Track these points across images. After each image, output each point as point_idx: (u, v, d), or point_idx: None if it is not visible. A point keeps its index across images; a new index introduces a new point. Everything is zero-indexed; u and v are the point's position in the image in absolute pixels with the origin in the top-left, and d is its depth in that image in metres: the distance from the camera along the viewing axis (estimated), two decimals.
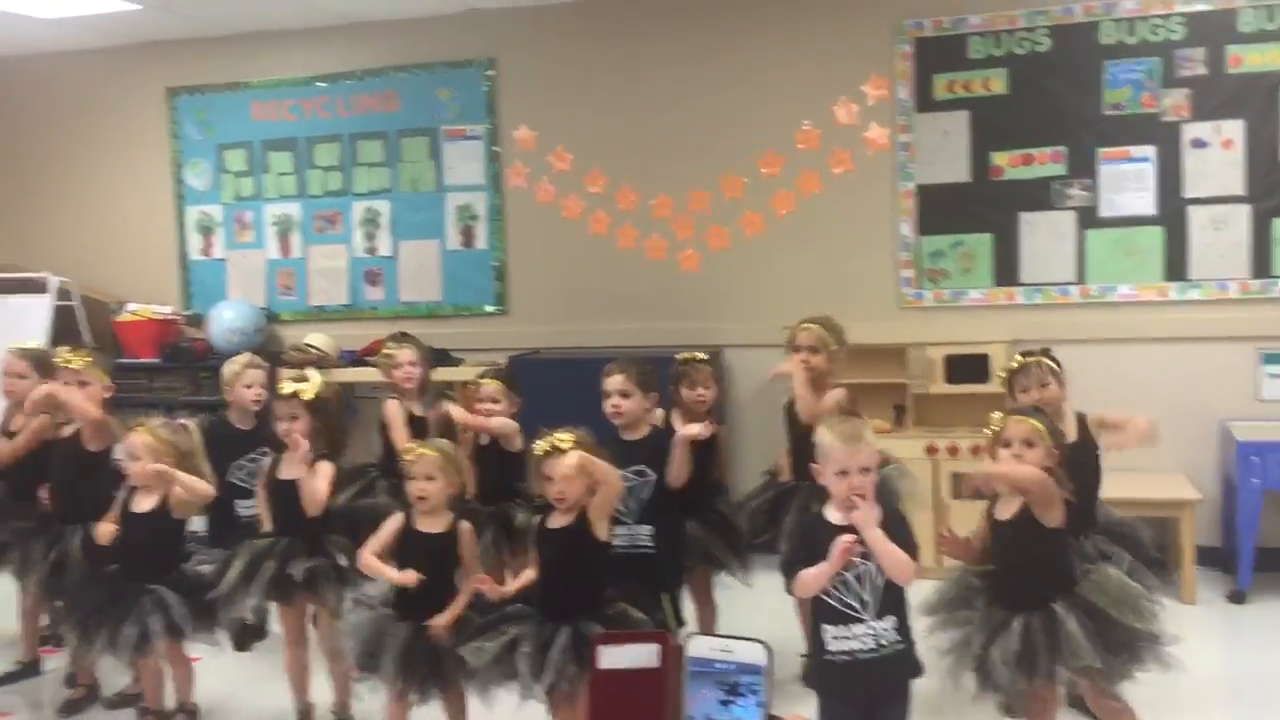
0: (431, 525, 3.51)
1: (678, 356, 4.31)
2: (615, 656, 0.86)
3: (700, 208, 6.19)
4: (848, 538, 2.79)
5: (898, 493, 3.98)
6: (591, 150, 6.34)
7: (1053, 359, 3.81)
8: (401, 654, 3.38)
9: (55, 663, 4.58)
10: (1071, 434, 3.65)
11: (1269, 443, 4.99)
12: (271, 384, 4.50)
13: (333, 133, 6.78)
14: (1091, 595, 3.17)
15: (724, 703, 0.90)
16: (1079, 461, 3.56)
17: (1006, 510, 3.23)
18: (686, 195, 6.21)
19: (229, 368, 4.74)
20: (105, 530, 3.87)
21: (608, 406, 3.88)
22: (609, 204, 6.34)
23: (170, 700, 4.04)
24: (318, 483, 3.82)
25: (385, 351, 4.85)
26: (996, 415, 3.31)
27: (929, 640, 3.33)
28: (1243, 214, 5.42)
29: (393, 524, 3.52)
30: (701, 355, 4.32)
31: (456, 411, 4.47)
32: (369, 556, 3.49)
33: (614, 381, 3.93)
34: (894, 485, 3.99)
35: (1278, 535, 5.27)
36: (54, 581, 4.23)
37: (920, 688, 2.94)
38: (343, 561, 3.83)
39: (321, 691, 3.97)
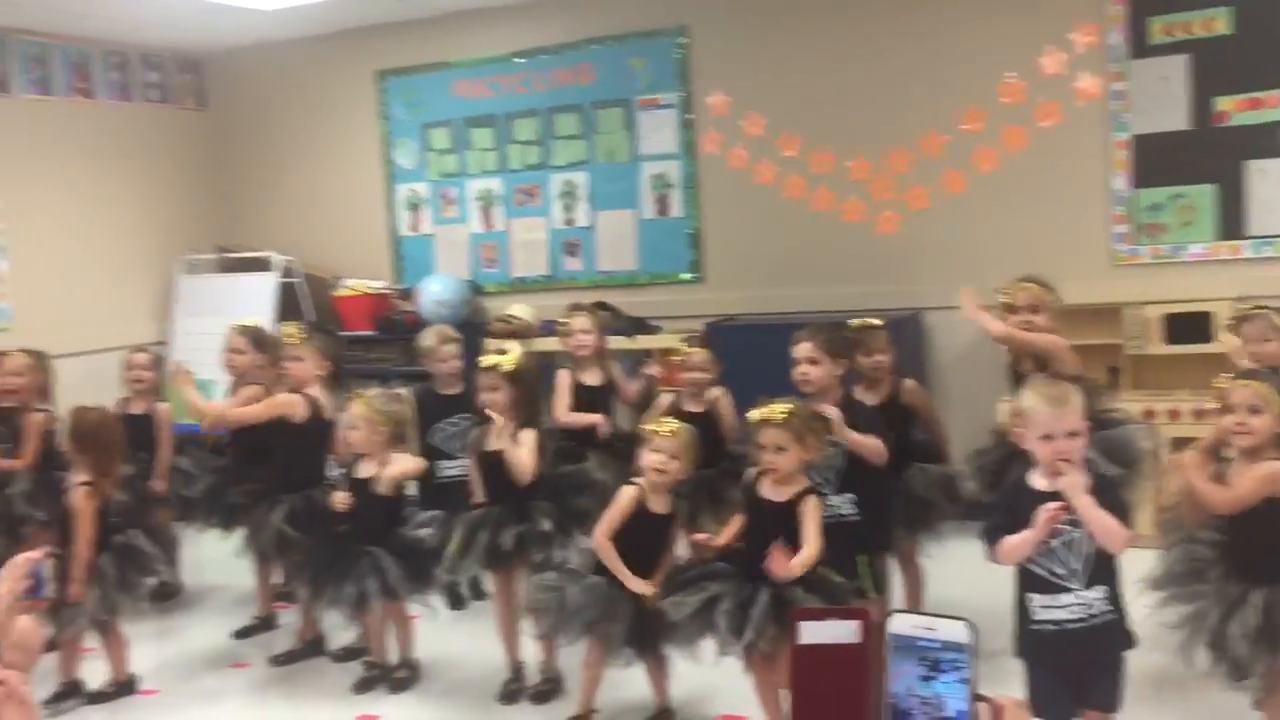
0: (659, 506, 3.59)
1: (850, 323, 4.24)
2: (816, 631, 0.87)
3: (899, 168, 6.05)
4: (1052, 506, 2.70)
5: (1139, 452, 3.85)
6: (785, 114, 6.27)
7: None
8: (610, 619, 3.48)
9: (289, 618, 4.89)
10: None
11: None
12: (471, 352, 4.67)
13: (530, 108, 6.93)
14: None
15: (925, 678, 0.90)
16: None
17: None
18: (884, 156, 6.07)
19: (425, 342, 4.92)
20: (340, 498, 4.11)
21: (796, 374, 3.86)
22: (803, 168, 6.26)
23: (394, 655, 4.28)
24: (522, 453, 3.94)
25: (561, 320, 4.99)
26: (1223, 378, 3.15)
27: (1156, 615, 3.21)
28: None
29: (626, 503, 3.58)
30: (875, 321, 4.25)
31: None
32: (604, 542, 3.57)
33: (802, 349, 3.86)
34: (1137, 444, 3.86)
35: None
36: (281, 542, 4.51)
37: (1138, 661, 2.84)
38: (547, 527, 3.95)
39: (531, 650, 4.12)
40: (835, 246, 6.17)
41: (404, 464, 4.17)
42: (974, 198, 5.89)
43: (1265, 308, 3.74)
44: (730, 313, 6.34)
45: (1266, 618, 2.96)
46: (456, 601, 4.93)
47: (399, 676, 4.24)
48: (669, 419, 3.70)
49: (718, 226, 6.52)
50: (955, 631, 0.96)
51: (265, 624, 4.92)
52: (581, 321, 4.88)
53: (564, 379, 4.82)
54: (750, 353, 4.57)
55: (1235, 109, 5.36)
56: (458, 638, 4.65)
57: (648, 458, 3.57)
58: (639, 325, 6.25)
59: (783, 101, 6.27)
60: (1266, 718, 3.15)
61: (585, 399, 4.79)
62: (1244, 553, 3.10)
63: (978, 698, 0.95)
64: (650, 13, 6.54)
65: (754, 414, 3.42)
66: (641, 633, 3.51)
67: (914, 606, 4.22)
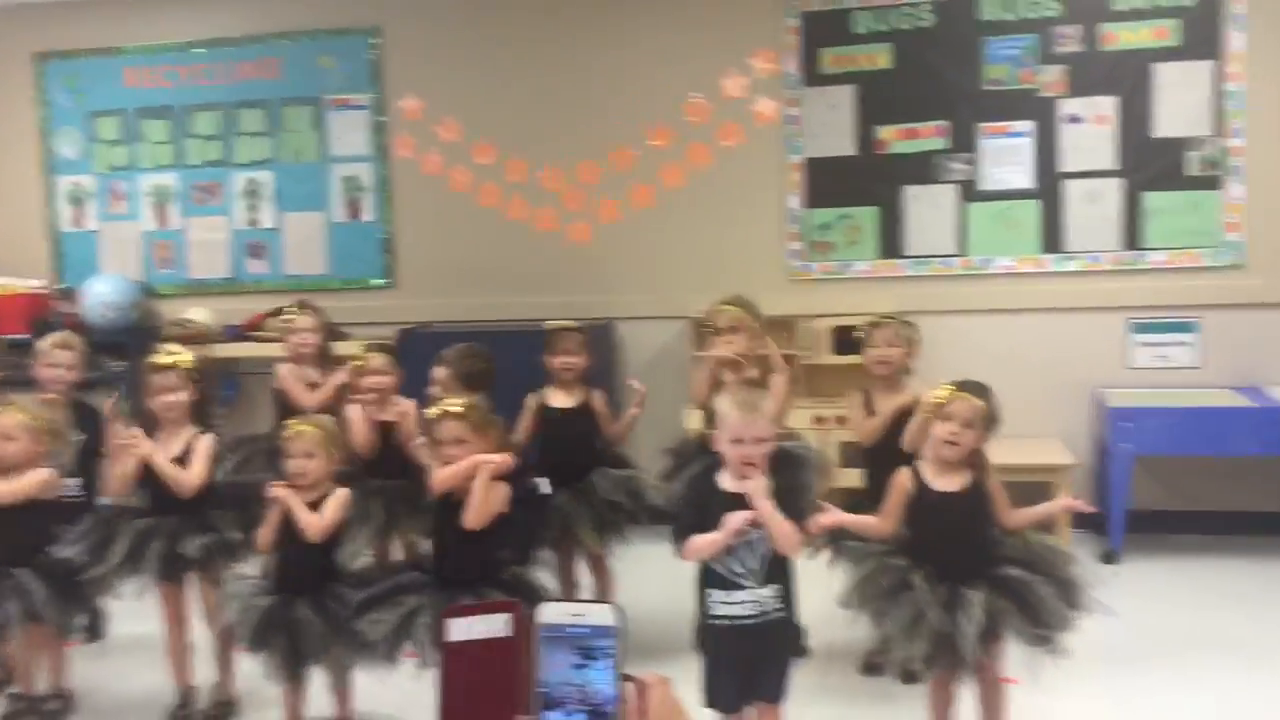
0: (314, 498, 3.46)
1: (547, 325, 4.34)
2: (465, 628, 0.86)
3: (590, 180, 6.17)
4: (741, 515, 2.81)
5: (810, 471, 4.06)
6: (480, 121, 6.26)
7: (908, 327, 4.00)
8: (284, 631, 3.33)
9: None
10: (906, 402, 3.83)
11: (1138, 409, 5.18)
12: (85, 362, 4.41)
13: (211, 101, 6.58)
14: (1020, 557, 3.22)
15: (579, 666, 0.90)
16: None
17: (949, 483, 3.21)
18: (576, 167, 6.17)
19: (39, 344, 4.51)
20: None
21: (430, 391, 3.99)
22: (498, 175, 6.27)
23: (43, 685, 3.91)
24: (194, 464, 3.72)
25: (285, 317, 4.81)
26: (942, 390, 3.23)
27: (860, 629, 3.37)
28: (1114, 188, 5.60)
29: (274, 513, 3.45)
30: (570, 323, 4.34)
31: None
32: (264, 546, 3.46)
33: (439, 373, 4.06)
34: (807, 462, 4.08)
35: (1147, 498, 5.49)
36: None
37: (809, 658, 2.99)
38: (234, 536, 3.74)
39: (202, 673, 3.88)
40: (529, 255, 6.21)
41: (36, 477, 3.77)
42: (661, 212, 6.09)
43: (893, 318, 4.07)
44: (424, 319, 6.24)
45: (989, 613, 3.07)
46: (95, 632, 4.50)
47: (49, 709, 3.88)
48: (298, 423, 3.55)
49: (411, 232, 6.42)
50: (603, 616, 0.97)
51: None
52: (306, 320, 4.76)
53: (289, 371, 4.73)
54: None
55: (894, 138, 5.82)
56: (117, 663, 4.31)
57: (285, 464, 3.46)
58: (329, 331, 6.04)
59: (478, 108, 6.25)
60: (934, 710, 3.32)
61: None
62: (951, 551, 3.18)
63: (625, 678, 0.97)
64: (342, 11, 6.36)
65: (431, 409, 3.38)
66: (303, 648, 3.36)
67: None
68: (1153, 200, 5.56)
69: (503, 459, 3.31)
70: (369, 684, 3.55)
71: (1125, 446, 5.14)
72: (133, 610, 3.99)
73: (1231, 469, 5.46)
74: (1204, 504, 5.57)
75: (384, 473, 4.25)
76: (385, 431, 4.36)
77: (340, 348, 5.76)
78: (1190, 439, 5.14)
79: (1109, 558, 5.22)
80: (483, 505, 3.26)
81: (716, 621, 2.88)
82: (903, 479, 3.27)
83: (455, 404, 3.37)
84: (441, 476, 3.32)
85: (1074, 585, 3.21)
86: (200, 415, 3.86)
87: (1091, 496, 5.63)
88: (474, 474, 3.27)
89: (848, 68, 5.84)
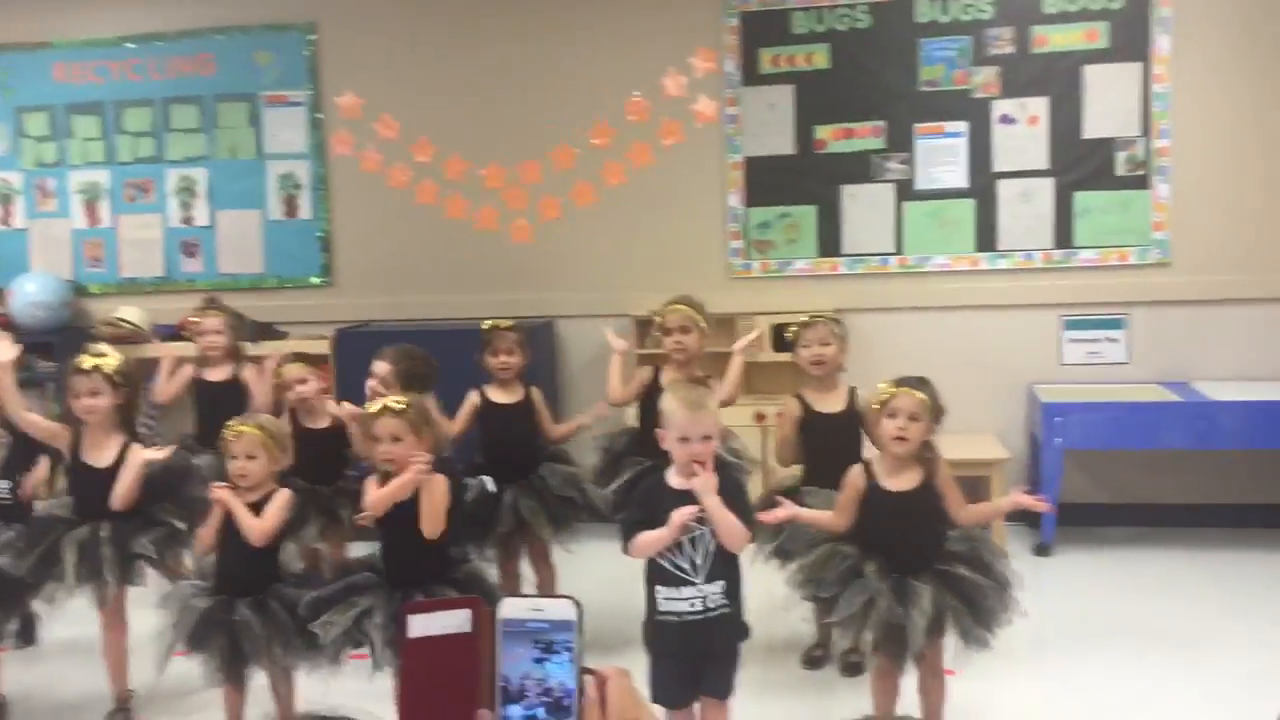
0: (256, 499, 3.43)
1: (483, 324, 4.33)
2: (425, 624, 0.86)
3: (531, 178, 6.16)
4: (687, 510, 2.83)
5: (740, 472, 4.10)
6: (419, 118, 6.22)
7: (839, 324, 4.06)
8: (224, 632, 3.29)
9: None
10: (841, 403, 3.93)
11: (1070, 404, 5.30)
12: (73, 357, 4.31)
13: (143, 97, 6.46)
14: (962, 551, 3.28)
15: (539, 660, 0.92)
16: (847, 428, 3.82)
17: (901, 482, 3.25)
18: (517, 165, 6.16)
19: None
20: None
21: (369, 386, 3.96)
22: (437, 174, 6.24)
23: None
24: (132, 476, 3.66)
25: (191, 319, 4.75)
26: (883, 385, 3.28)
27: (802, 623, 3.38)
28: (1047, 187, 5.72)
29: (215, 513, 3.41)
30: (506, 322, 4.34)
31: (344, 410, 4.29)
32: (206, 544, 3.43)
33: (379, 368, 4.01)
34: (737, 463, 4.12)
35: (1077, 491, 5.61)
36: None
37: (752, 653, 3.02)
38: (180, 525, 3.69)
39: (141, 673, 3.82)
40: (469, 254, 6.19)
41: None
42: (603, 210, 6.10)
43: (823, 316, 4.12)
44: (362, 319, 6.20)
45: (936, 605, 3.14)
46: (27, 638, 4.41)
47: None
48: (240, 423, 3.51)
49: (349, 230, 6.36)
50: (562, 610, 0.99)
51: None
52: (212, 321, 4.69)
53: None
54: None
55: (832, 138, 5.88)
56: (51, 668, 4.23)
57: (227, 466, 3.43)
58: (265, 330, 5.98)
59: (417, 106, 6.21)
60: (878, 697, 3.37)
61: (222, 400, 4.64)
62: (902, 546, 3.23)
63: (584, 670, 0.98)
64: (278, 6, 6.29)
65: (371, 405, 3.37)
66: (244, 649, 3.33)
67: None
68: (1083, 200, 5.68)
69: (427, 456, 3.28)
70: (312, 685, 3.52)
71: (1057, 441, 5.25)
72: (64, 614, 3.92)
73: (1159, 462, 5.60)
74: (1133, 497, 5.70)
75: (316, 479, 4.22)
76: (318, 437, 4.34)
77: (281, 346, 5.73)
78: (1119, 433, 5.26)
79: (1041, 550, 5.33)
80: (435, 513, 3.25)
81: (663, 617, 2.90)
82: (855, 477, 3.31)
83: (397, 401, 3.35)
84: (379, 498, 3.29)
85: (1007, 583, 3.28)
86: (127, 420, 3.79)
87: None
88: (411, 486, 3.25)
89: (786, 67, 5.89)
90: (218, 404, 4.60)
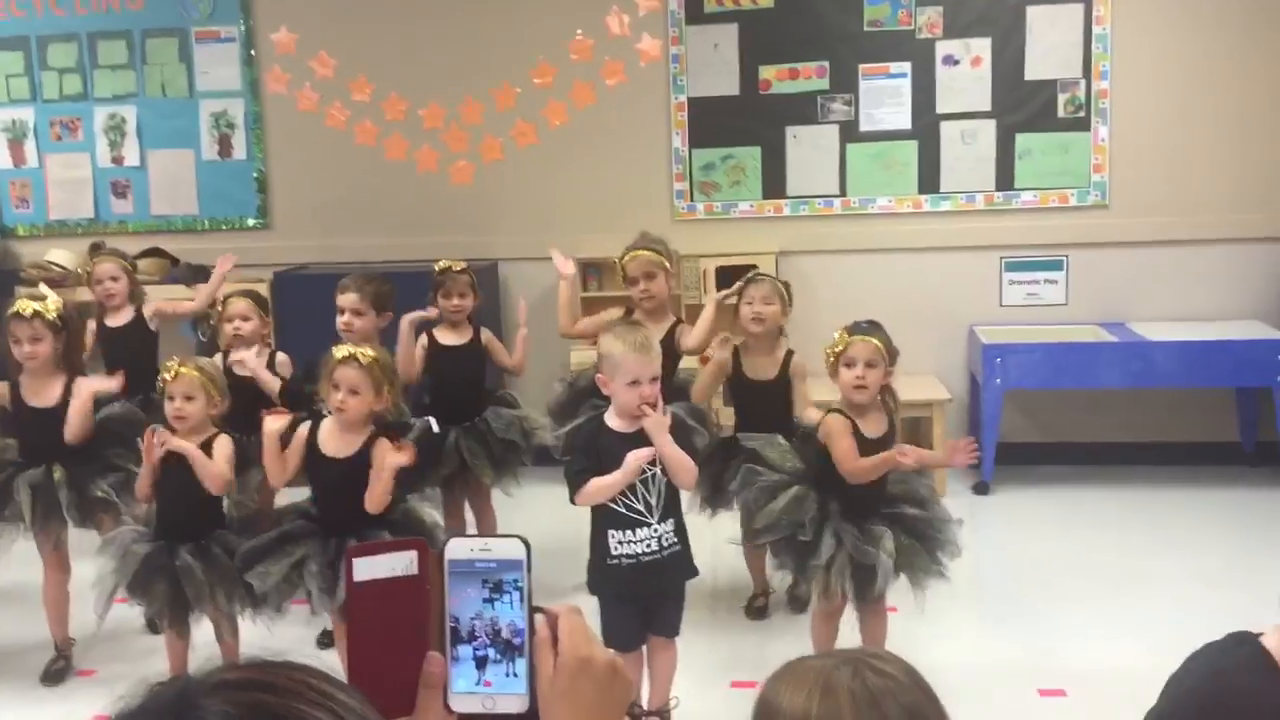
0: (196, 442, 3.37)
1: (435, 266, 4.27)
2: (370, 567, 0.84)
3: (473, 118, 6.04)
4: (644, 451, 2.82)
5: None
6: (357, 56, 6.06)
7: (785, 286, 4.00)
8: (166, 578, 3.25)
9: None
10: (775, 369, 3.88)
11: (1009, 345, 5.36)
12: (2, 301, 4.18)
13: (69, 31, 6.25)
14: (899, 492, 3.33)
15: (488, 600, 0.90)
16: (776, 395, 3.84)
17: (873, 427, 3.25)
18: (458, 105, 6.04)
19: None
20: None
21: (340, 323, 3.89)
22: (376, 113, 6.09)
23: None
24: (81, 407, 3.60)
25: (84, 267, 4.62)
26: (841, 332, 3.26)
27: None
28: (989, 129, 5.73)
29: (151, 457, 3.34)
30: (459, 264, 4.28)
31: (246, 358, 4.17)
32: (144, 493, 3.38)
33: (348, 299, 3.96)
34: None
35: (1016, 431, 5.70)
36: None
37: (697, 588, 3.05)
38: (138, 470, 3.63)
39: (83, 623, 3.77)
40: (409, 195, 6.09)
41: None
42: (545, 151, 6.00)
43: (765, 274, 4.10)
44: (300, 261, 6.08)
45: (899, 545, 3.19)
46: None
47: None
48: (179, 364, 3.43)
49: (286, 170, 6.22)
50: (510, 548, 0.97)
51: None
52: (108, 267, 4.53)
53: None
54: (320, 302, 4.42)
55: (776, 78, 5.84)
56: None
57: (165, 406, 3.37)
58: (199, 273, 5.85)
59: (354, 43, 6.05)
60: (819, 636, 3.41)
61: (118, 344, 4.50)
62: (869, 491, 3.25)
63: (534, 609, 0.97)
64: None
65: (339, 349, 3.30)
66: (187, 595, 3.29)
67: None
68: (1024, 141, 5.71)
69: (409, 458, 3.24)
70: (256, 632, 3.50)
71: (996, 382, 5.32)
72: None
73: (1096, 402, 5.70)
74: (1071, 436, 5.80)
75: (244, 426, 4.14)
76: (250, 384, 4.24)
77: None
78: (1058, 373, 5.35)
79: (981, 489, 5.42)
80: (382, 496, 3.21)
81: (618, 561, 2.90)
82: (846, 426, 3.24)
83: (365, 353, 3.27)
84: (377, 500, 3.23)
85: (949, 517, 3.34)
86: (70, 362, 3.71)
87: (965, 430, 5.84)
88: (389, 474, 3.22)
89: (730, 6, 5.82)
90: (126, 348, 4.46)
